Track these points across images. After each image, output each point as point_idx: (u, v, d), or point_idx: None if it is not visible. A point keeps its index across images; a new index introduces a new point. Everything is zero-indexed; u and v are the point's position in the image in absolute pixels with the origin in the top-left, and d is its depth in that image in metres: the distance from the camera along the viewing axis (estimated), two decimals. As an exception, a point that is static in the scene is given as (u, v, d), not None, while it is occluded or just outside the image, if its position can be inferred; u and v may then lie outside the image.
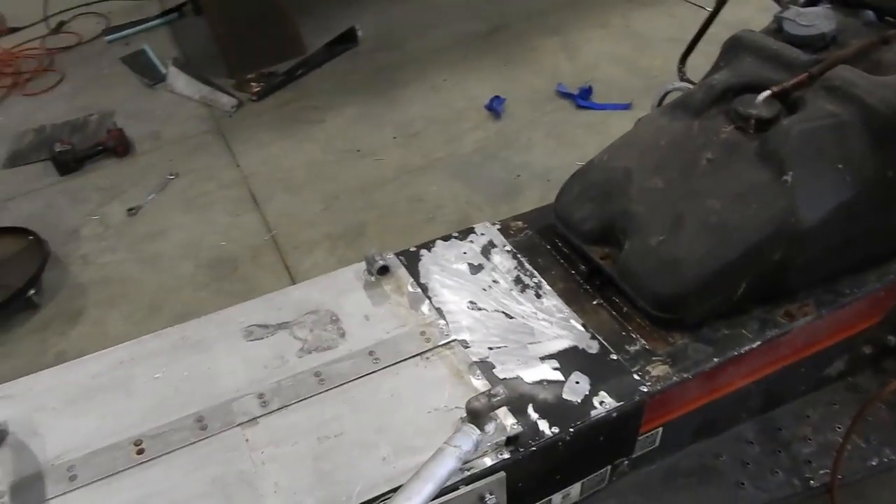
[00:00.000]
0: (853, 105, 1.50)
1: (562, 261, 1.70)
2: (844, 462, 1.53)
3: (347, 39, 4.64)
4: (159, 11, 5.38)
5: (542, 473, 1.37)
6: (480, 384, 1.38)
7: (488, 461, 1.28)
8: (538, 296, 1.60)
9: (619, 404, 1.36)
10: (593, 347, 1.48)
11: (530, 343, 1.50)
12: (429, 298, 1.58)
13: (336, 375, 1.41)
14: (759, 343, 1.48)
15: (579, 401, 1.37)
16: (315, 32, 4.70)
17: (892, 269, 1.61)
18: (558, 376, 1.42)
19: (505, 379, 1.42)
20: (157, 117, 4.22)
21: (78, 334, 2.86)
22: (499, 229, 1.79)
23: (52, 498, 1.24)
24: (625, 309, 1.57)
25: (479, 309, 1.57)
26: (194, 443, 1.31)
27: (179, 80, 4.41)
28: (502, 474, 1.28)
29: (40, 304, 3.00)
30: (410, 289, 1.60)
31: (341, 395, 1.38)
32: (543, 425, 1.34)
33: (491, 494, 1.28)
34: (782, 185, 1.46)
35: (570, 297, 1.60)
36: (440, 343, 1.47)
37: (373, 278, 1.62)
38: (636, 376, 1.41)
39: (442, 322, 1.51)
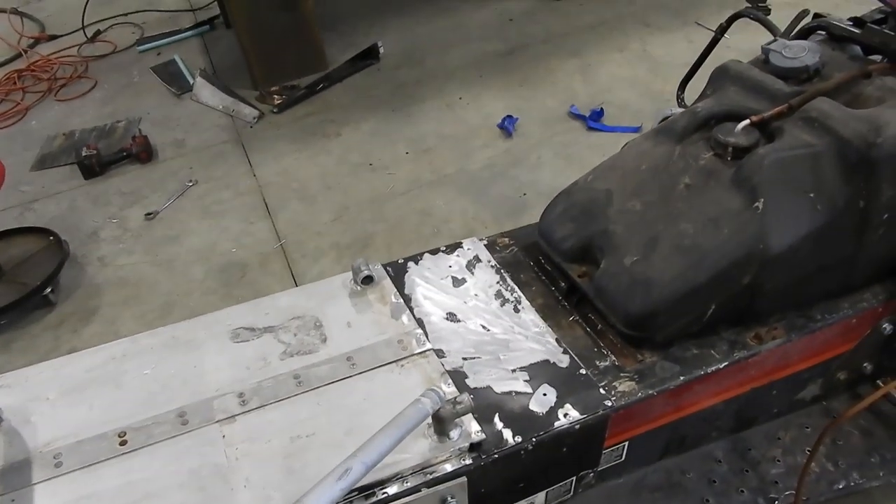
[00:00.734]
0: (828, 136, 1.54)
1: (543, 277, 1.76)
2: (810, 484, 1.56)
3: (370, 55, 4.74)
4: (192, 23, 5.54)
5: (505, 481, 1.42)
6: (451, 392, 1.44)
7: (450, 466, 1.33)
8: (516, 310, 1.65)
9: (582, 417, 1.41)
10: (564, 362, 1.53)
11: (504, 355, 1.55)
12: (410, 309, 1.65)
13: (314, 378, 1.48)
14: (726, 364, 1.51)
15: (544, 412, 1.42)
16: (338, 47, 4.82)
17: (865, 298, 1.64)
18: (527, 388, 1.47)
19: (476, 388, 1.47)
20: (182, 126, 4.35)
21: (90, 333, 2.97)
22: (485, 245, 1.85)
23: (37, 483, 1.31)
24: (599, 326, 1.62)
25: (458, 321, 1.63)
26: (175, 436, 1.39)
27: (205, 91, 4.54)
28: (464, 479, 1.33)
29: (56, 302, 3.12)
30: (393, 299, 1.66)
31: (317, 397, 1.45)
32: (507, 434, 1.39)
33: (452, 498, 1.34)
34: (753, 211, 1.50)
35: (548, 313, 1.66)
36: (416, 352, 1.53)
37: (358, 287, 1.69)
38: (602, 391, 1.46)
39: (420, 332, 1.57)
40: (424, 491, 1.31)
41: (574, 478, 1.53)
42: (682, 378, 1.48)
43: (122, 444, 1.38)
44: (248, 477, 1.31)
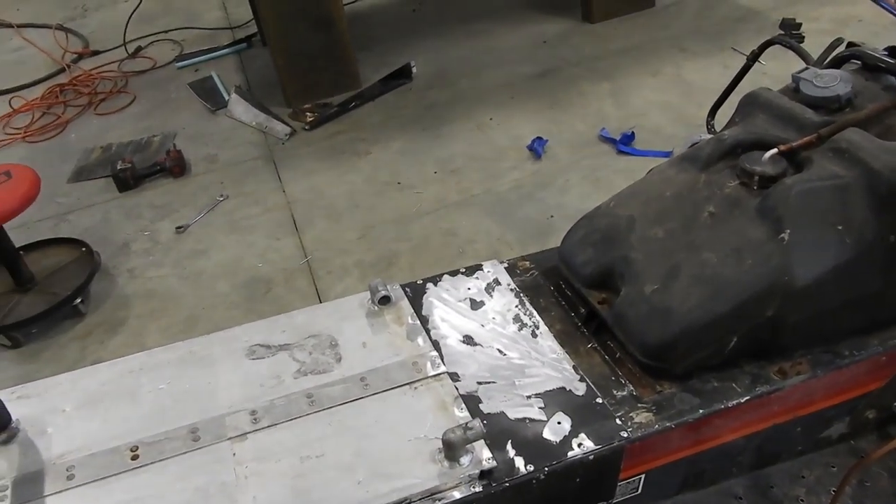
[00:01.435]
0: (858, 168, 1.49)
1: (563, 302, 1.73)
2: (834, 526, 1.51)
3: (402, 75, 4.78)
4: (230, 41, 5.65)
5: (516, 511, 1.39)
6: (463, 417, 1.42)
7: (459, 494, 1.31)
8: (534, 335, 1.63)
9: (596, 447, 1.38)
10: (580, 390, 1.50)
11: (519, 381, 1.53)
12: (427, 331, 1.63)
13: (326, 398, 1.47)
14: (747, 398, 1.47)
15: (558, 441, 1.40)
16: (372, 66, 4.87)
17: (895, 335, 1.59)
18: (542, 415, 1.45)
19: (489, 414, 1.45)
20: (215, 141, 4.42)
21: (116, 344, 3.01)
22: (506, 268, 1.83)
23: (49, 495, 1.32)
24: (617, 354, 1.59)
25: (475, 344, 1.62)
26: (185, 453, 1.38)
27: (239, 107, 4.61)
28: (473, 508, 1.31)
29: (86, 312, 3.17)
30: (410, 320, 1.65)
31: (328, 417, 1.44)
32: (519, 462, 1.36)
33: (461, 526, 1.31)
34: (779, 242, 1.46)
35: (566, 339, 1.63)
36: (430, 374, 1.51)
37: (375, 307, 1.68)
38: (618, 421, 1.43)
39: (435, 354, 1.56)
40: (432, 518, 1.29)
41: (587, 509, 1.50)
42: (701, 411, 1.45)
43: (134, 458, 1.38)
44: (255, 496, 1.30)
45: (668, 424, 1.42)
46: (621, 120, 4.07)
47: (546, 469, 1.35)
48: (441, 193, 3.66)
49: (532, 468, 1.35)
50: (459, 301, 1.73)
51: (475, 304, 1.72)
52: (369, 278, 3.12)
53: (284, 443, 1.39)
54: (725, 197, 1.60)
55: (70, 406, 1.50)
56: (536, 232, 3.29)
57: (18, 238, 3.34)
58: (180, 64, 5.46)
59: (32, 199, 2.98)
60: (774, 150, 1.59)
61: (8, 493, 1.33)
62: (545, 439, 1.40)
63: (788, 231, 1.46)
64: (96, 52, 5.84)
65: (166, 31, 5.93)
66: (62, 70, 5.57)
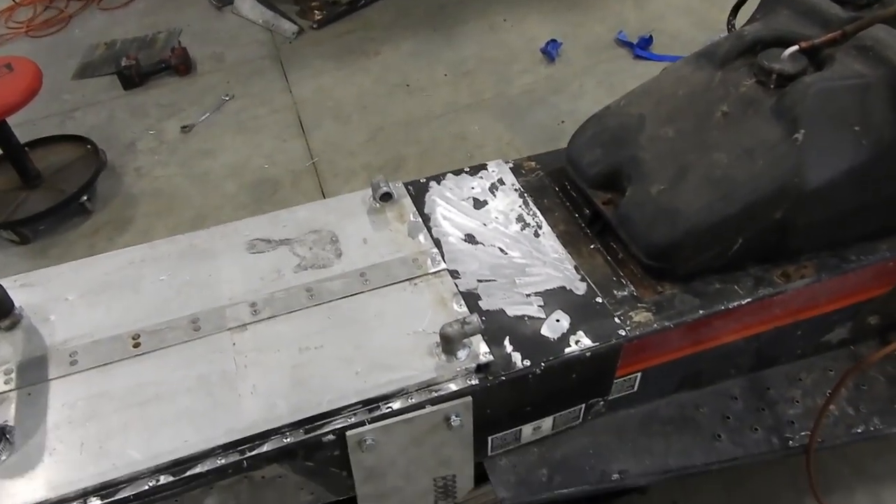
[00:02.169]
0: (882, 67, 1.43)
1: (567, 203, 1.71)
2: (828, 426, 1.52)
3: (414, -28, 4.60)
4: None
5: (512, 404, 1.41)
6: (462, 313, 1.42)
7: (455, 386, 1.32)
8: (537, 235, 1.61)
9: (594, 345, 1.38)
10: (580, 289, 1.49)
11: (520, 279, 1.52)
12: (428, 228, 1.62)
13: (326, 292, 1.47)
14: (749, 300, 1.46)
15: (556, 338, 1.40)
16: (383, -38, 4.68)
17: (905, 240, 1.56)
18: (541, 313, 1.45)
19: (488, 311, 1.45)
20: (221, 39, 4.31)
21: (124, 242, 3.02)
22: (511, 168, 1.80)
23: (52, 378, 1.35)
24: (620, 255, 1.57)
25: (476, 243, 1.60)
26: (186, 342, 1.40)
27: (245, 4, 4.48)
28: (469, 399, 1.33)
29: (93, 210, 3.17)
30: (412, 217, 1.63)
31: (328, 311, 1.44)
32: (516, 357, 1.37)
33: (457, 417, 1.33)
34: (792, 143, 1.42)
35: (569, 240, 1.61)
36: (430, 271, 1.51)
37: (377, 204, 1.66)
38: (617, 320, 1.42)
39: (435, 251, 1.55)
40: (429, 408, 1.31)
41: (583, 405, 1.52)
42: (701, 312, 1.44)
43: (136, 346, 1.39)
44: (255, 384, 1.32)
45: (666, 324, 1.42)
46: (641, 23, 3.93)
47: (542, 364, 1.36)
48: (451, 96, 3.58)
49: (529, 363, 1.36)
50: (462, 200, 1.71)
51: (478, 203, 1.70)
52: (376, 181, 3.13)
53: (284, 334, 1.40)
54: (741, 96, 1.54)
55: (73, 294, 1.51)
56: (547, 137, 3.23)
57: (24, 135, 3.31)
58: (186, -42, 5.27)
59: (35, 93, 2.93)
60: (795, 47, 1.52)
61: (13, 376, 1.35)
62: (543, 336, 1.40)
63: (802, 131, 1.41)
64: (99, -55, 5.63)
65: (171, -77, 5.70)
66: (64, -37, 5.39)
